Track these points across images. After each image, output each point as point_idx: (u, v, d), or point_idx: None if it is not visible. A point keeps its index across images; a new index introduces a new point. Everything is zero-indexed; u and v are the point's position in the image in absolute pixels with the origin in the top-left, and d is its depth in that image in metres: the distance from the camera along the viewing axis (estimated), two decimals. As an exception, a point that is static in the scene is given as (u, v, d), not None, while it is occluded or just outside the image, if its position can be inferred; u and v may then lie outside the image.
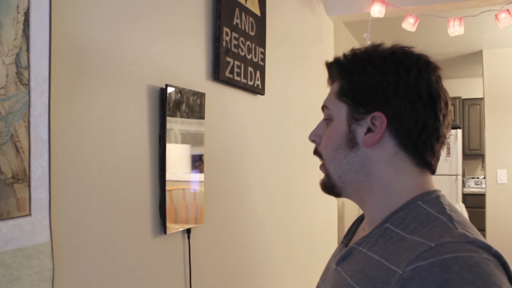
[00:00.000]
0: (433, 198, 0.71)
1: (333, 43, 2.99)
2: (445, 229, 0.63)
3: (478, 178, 5.93)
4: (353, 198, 0.80)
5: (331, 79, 0.84)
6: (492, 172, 4.30)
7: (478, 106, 5.64)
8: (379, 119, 0.72)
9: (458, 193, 5.20)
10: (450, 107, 0.78)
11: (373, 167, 0.74)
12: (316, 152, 0.83)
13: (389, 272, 0.62)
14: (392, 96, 0.71)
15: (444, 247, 0.58)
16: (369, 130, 0.73)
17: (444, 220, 0.66)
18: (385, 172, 0.74)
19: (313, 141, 0.83)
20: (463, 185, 5.66)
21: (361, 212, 0.85)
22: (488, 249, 0.59)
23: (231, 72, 1.60)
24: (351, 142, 0.75)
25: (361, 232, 0.81)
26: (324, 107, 0.81)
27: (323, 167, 0.81)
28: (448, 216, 0.67)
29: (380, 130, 0.72)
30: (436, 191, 0.73)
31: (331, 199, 2.62)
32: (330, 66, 0.83)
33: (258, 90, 1.82)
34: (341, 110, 0.77)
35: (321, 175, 0.83)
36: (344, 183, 0.77)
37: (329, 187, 0.80)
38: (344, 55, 0.80)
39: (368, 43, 2.43)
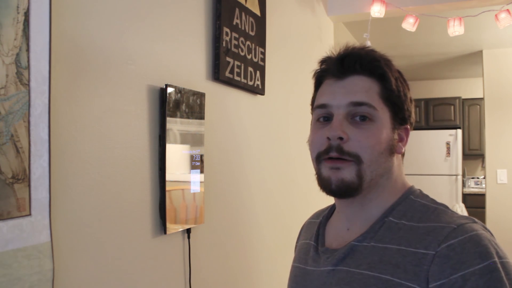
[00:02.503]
0: (418, 193, 0.80)
1: (333, 43, 2.99)
2: (450, 215, 0.72)
3: (478, 178, 5.93)
4: (358, 199, 0.77)
5: (345, 71, 0.78)
6: (492, 172, 4.30)
7: (478, 106, 5.63)
8: (406, 131, 0.81)
9: (458, 193, 5.19)
10: None
11: (393, 172, 0.79)
12: (340, 150, 0.74)
13: (416, 255, 0.68)
14: (412, 112, 0.82)
15: (464, 227, 0.68)
16: (399, 139, 0.80)
17: (442, 209, 0.75)
18: (395, 174, 0.80)
19: (340, 138, 0.74)
20: (463, 185, 5.66)
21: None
22: (484, 227, 0.72)
23: (231, 72, 1.60)
24: (392, 149, 0.78)
25: (344, 232, 0.81)
26: (364, 104, 0.75)
27: (352, 166, 0.74)
28: (442, 205, 0.76)
29: (407, 140, 0.81)
30: (413, 186, 0.82)
31: (331, 198, 2.61)
32: (352, 58, 0.78)
33: (258, 90, 1.82)
34: (386, 114, 0.77)
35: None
36: (369, 186, 0.76)
37: (354, 188, 0.74)
38: (366, 51, 0.79)
39: (368, 43, 2.41)
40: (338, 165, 0.74)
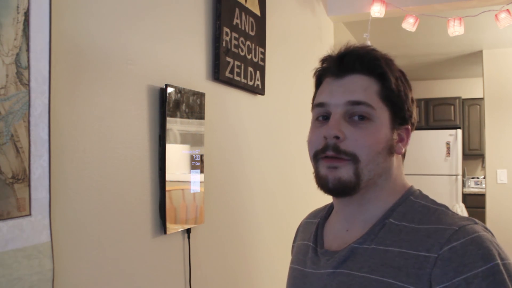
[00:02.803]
0: (418, 194, 0.80)
1: (333, 43, 2.99)
2: (451, 216, 0.72)
3: (478, 178, 5.92)
4: (356, 198, 0.77)
5: (345, 70, 0.78)
6: (492, 172, 4.30)
7: (478, 106, 5.63)
8: (407, 131, 0.80)
9: (458, 193, 5.19)
10: None
11: (392, 172, 0.79)
12: (337, 149, 0.73)
13: (418, 258, 0.68)
14: (414, 113, 0.81)
15: (466, 228, 0.67)
16: (399, 140, 0.80)
17: (443, 210, 0.74)
18: (394, 175, 0.79)
19: (337, 137, 0.74)
20: (463, 185, 5.65)
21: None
22: (485, 227, 0.71)
23: (231, 72, 1.60)
24: (391, 149, 0.77)
25: (343, 233, 0.80)
26: (361, 103, 0.74)
27: (349, 165, 0.74)
28: (442, 206, 0.76)
29: (408, 141, 0.80)
30: (413, 186, 0.81)
31: (330, 198, 2.62)
32: (352, 56, 0.77)
33: (258, 90, 1.82)
34: (385, 114, 0.76)
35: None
36: (367, 186, 0.75)
37: (352, 187, 0.74)
38: (366, 50, 0.78)
39: (368, 43, 2.41)
40: (335, 164, 0.74)
